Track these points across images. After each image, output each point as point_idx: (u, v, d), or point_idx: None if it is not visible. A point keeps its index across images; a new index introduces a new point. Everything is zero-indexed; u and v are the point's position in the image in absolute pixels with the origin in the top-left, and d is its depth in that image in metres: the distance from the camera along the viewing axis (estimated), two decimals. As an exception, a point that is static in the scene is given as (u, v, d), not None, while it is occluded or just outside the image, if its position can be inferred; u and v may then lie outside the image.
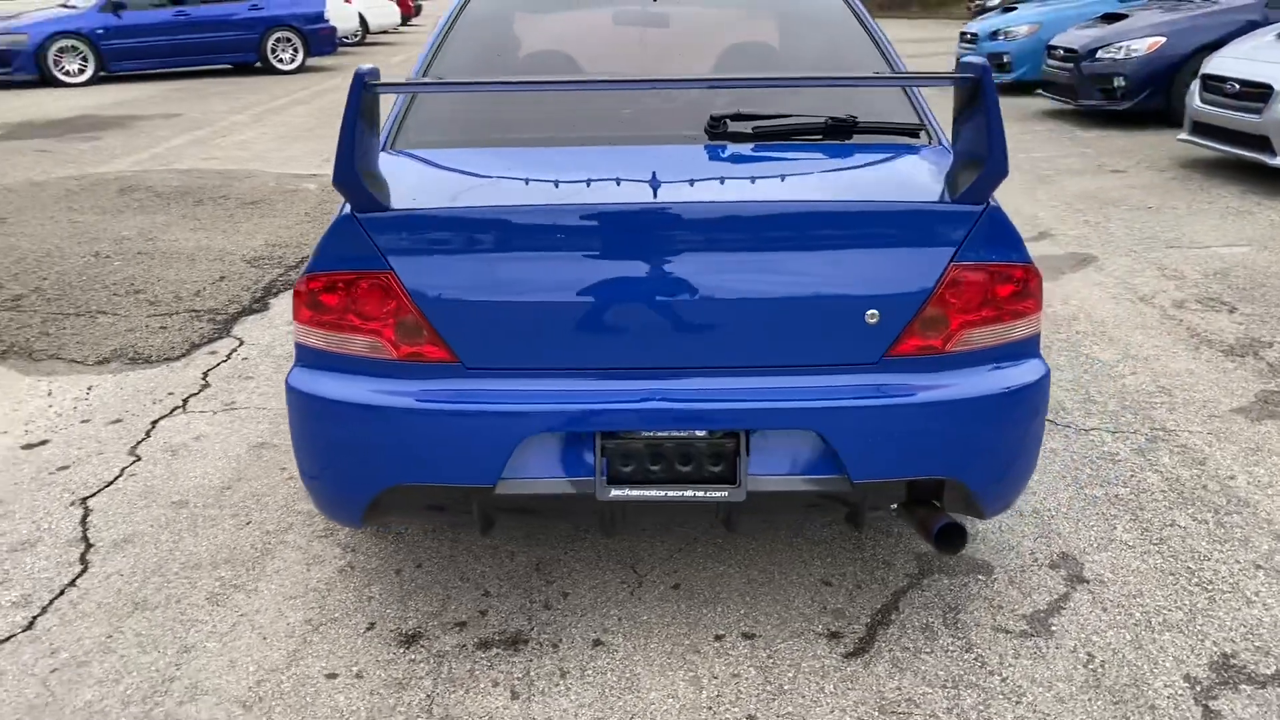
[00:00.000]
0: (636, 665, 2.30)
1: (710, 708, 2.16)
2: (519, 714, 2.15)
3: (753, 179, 2.21)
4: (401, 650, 2.36)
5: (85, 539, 2.86)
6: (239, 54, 15.23)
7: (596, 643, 2.38)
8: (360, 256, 2.06)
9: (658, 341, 2.07)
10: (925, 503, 2.25)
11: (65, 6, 14.86)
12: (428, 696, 2.21)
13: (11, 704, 2.21)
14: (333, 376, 2.16)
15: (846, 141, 2.45)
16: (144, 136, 9.70)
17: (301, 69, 15.73)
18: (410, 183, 2.26)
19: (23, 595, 2.60)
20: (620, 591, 2.57)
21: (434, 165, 2.36)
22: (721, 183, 2.18)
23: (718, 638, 2.39)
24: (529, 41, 2.80)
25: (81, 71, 14.04)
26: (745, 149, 2.40)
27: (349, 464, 2.16)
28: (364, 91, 1.92)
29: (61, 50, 13.90)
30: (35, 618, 2.51)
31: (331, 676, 2.28)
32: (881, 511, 2.34)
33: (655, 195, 2.08)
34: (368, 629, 2.44)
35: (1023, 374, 2.17)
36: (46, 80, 13.76)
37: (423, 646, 2.38)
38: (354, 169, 1.95)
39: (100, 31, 14.08)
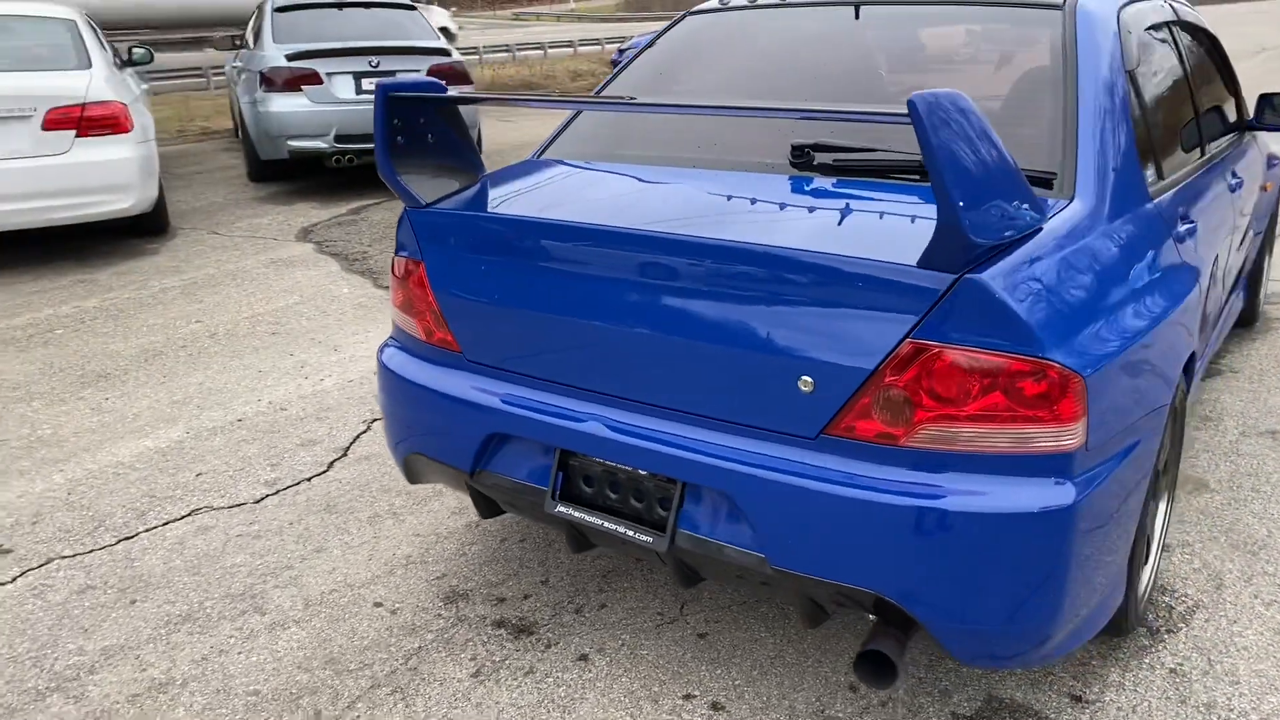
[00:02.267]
0: (593, 691, 2.27)
1: (615, 757, 2.07)
2: (464, 691, 2.28)
3: (771, 216, 2.00)
4: (441, 604, 2.62)
5: (346, 450, 3.57)
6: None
7: (583, 657, 2.39)
8: (408, 247, 2.33)
9: (618, 371, 2.02)
10: (899, 623, 1.86)
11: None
12: (417, 649, 2.44)
13: (194, 550, 2.93)
14: (394, 348, 2.47)
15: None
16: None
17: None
18: (490, 188, 2.44)
19: (274, 478, 3.37)
20: (649, 621, 2.51)
21: (531, 174, 2.52)
22: (727, 217, 2.02)
23: (686, 697, 2.24)
24: (708, 61, 2.76)
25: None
26: (818, 182, 2.16)
27: (389, 429, 2.47)
28: (387, 100, 2.17)
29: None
30: (265, 496, 3.25)
31: (377, 605, 2.63)
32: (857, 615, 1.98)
33: (643, 224, 2.01)
34: (438, 578, 2.74)
35: (1019, 497, 1.69)
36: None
37: (455, 606, 2.60)
38: (390, 169, 2.22)
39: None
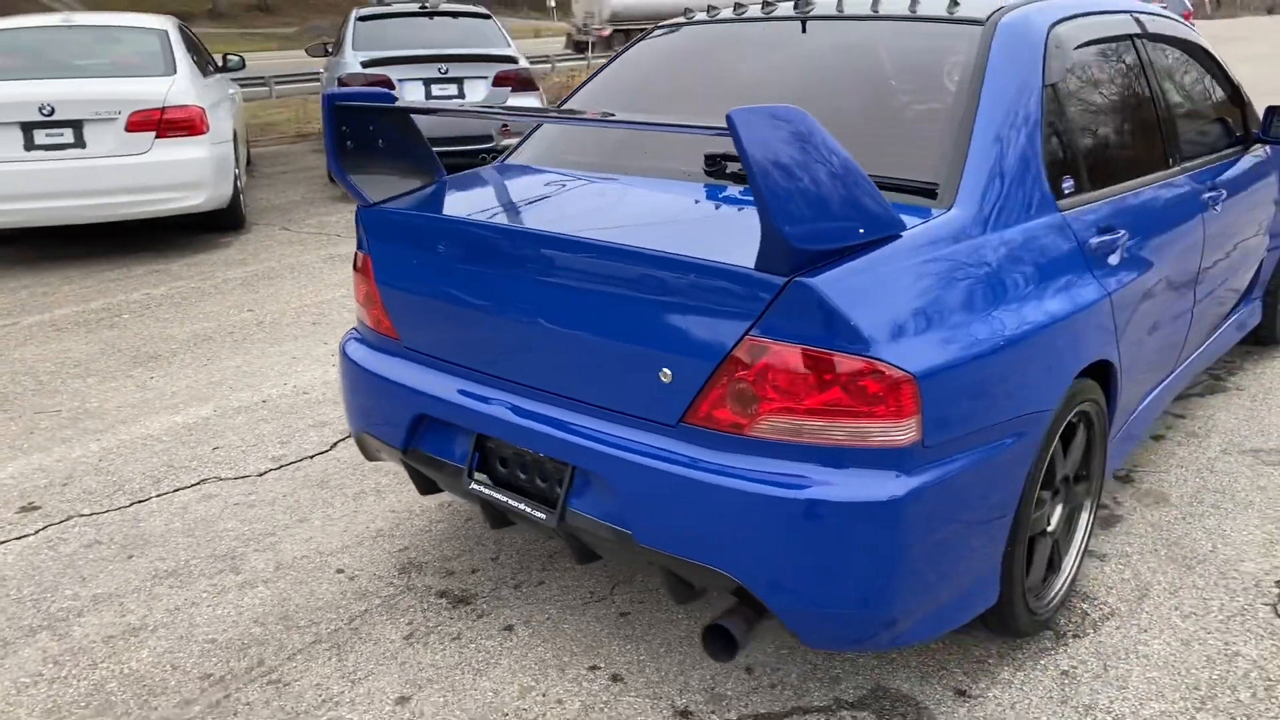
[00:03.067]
0: (508, 658, 2.44)
1: (514, 718, 2.24)
2: (394, 651, 2.49)
3: (663, 220, 2.15)
4: (396, 573, 2.83)
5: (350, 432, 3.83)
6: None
7: (509, 627, 2.57)
8: (361, 242, 2.55)
9: (522, 360, 2.20)
10: (753, 603, 1.99)
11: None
12: (363, 611, 2.66)
13: (194, 514, 3.22)
14: (353, 336, 2.70)
15: None
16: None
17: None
18: (434, 190, 2.62)
19: (281, 454, 3.65)
20: (579, 599, 2.67)
21: (480, 178, 2.71)
22: (628, 219, 2.17)
23: (592, 668, 2.40)
24: (660, 75, 2.90)
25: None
26: (729, 189, 2.29)
27: (346, 409, 2.70)
28: (333, 108, 2.39)
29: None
30: (268, 470, 3.53)
31: (339, 571, 2.86)
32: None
33: (546, 225, 2.18)
34: (401, 550, 2.95)
35: (855, 487, 1.79)
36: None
37: (408, 576, 2.81)
38: (340, 169, 2.45)
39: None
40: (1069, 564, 2.53)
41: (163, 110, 6.13)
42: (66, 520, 3.20)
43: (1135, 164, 2.77)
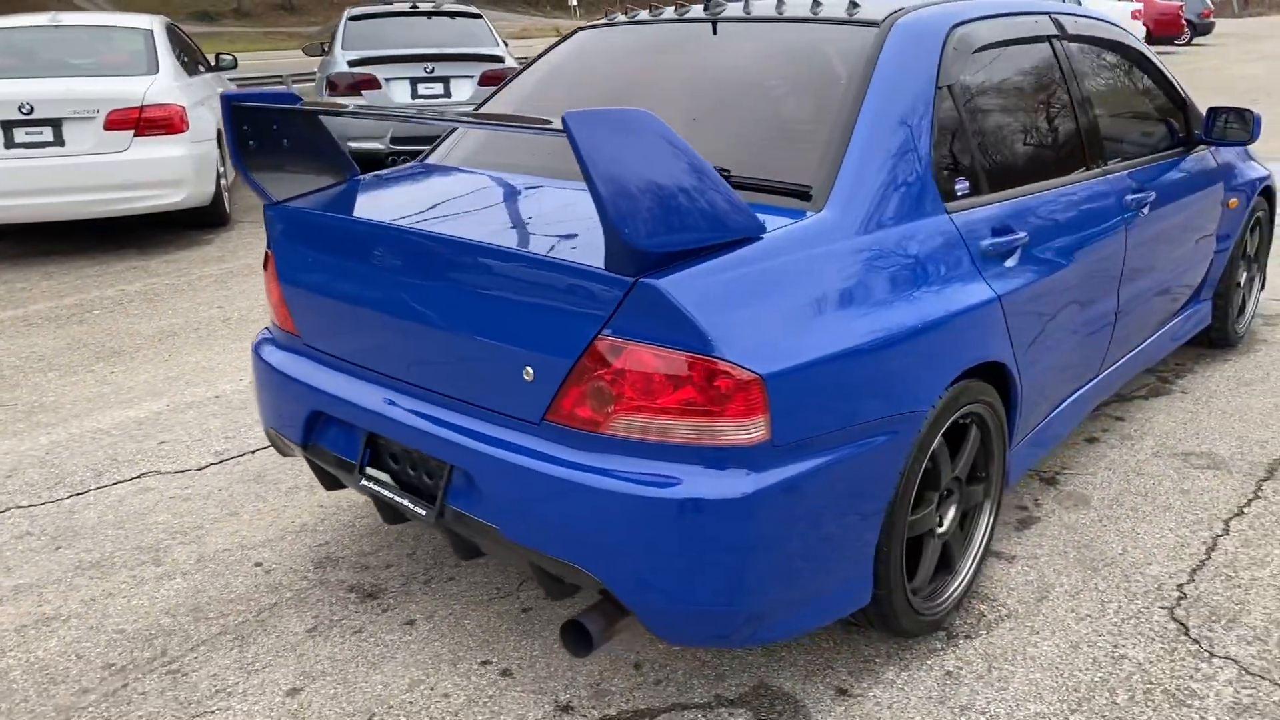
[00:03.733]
0: (404, 652, 2.47)
1: (398, 711, 2.27)
2: (294, 644, 2.52)
3: (538, 218, 2.18)
4: (312, 567, 2.87)
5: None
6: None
7: (410, 622, 2.60)
8: (268, 239, 2.59)
9: (403, 357, 2.23)
10: (615, 600, 2.01)
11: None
12: (273, 604, 2.70)
13: (129, 508, 3.27)
14: (264, 333, 2.74)
15: None
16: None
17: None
18: (338, 189, 2.65)
19: (223, 449, 3.70)
20: (485, 595, 2.70)
21: (387, 177, 2.75)
22: (492, 217, 2.20)
23: (484, 663, 2.43)
24: (574, 76, 2.92)
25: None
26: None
27: (258, 405, 2.74)
28: (232, 109, 2.43)
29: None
30: (209, 465, 3.58)
31: (257, 565, 2.90)
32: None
33: (414, 222, 2.21)
34: (321, 545, 2.99)
35: (707, 485, 1.82)
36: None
37: (323, 570, 2.85)
38: (243, 168, 2.49)
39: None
40: (966, 566, 2.53)
41: (141, 109, 6.21)
42: (4, 511, 3.27)
43: (1044, 167, 2.77)
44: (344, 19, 9.12)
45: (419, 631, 2.56)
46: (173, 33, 7.62)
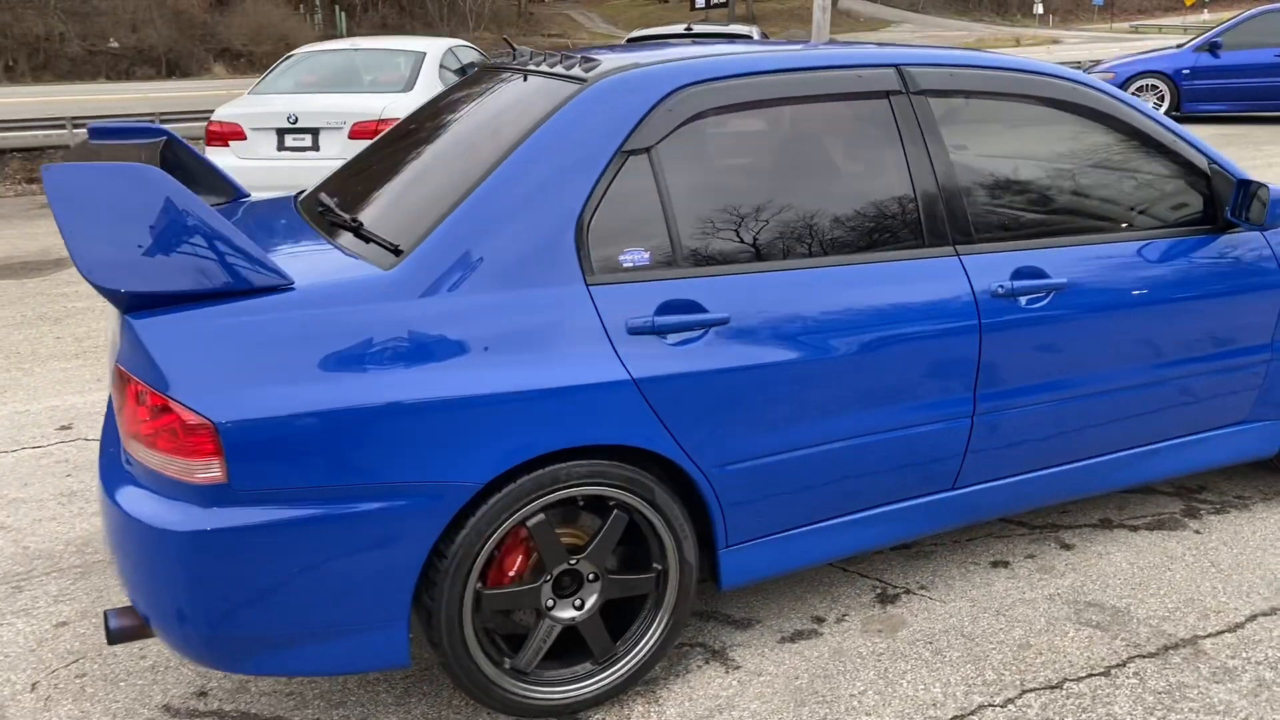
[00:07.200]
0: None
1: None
2: None
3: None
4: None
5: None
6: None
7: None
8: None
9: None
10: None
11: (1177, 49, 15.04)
12: None
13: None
14: None
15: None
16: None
17: None
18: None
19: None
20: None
21: (254, 205, 3.10)
22: None
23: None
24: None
25: (1155, 108, 14.18)
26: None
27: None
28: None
29: (1140, 89, 14.30)
30: None
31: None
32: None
33: None
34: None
35: (161, 514, 1.99)
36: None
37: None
38: None
39: (1185, 71, 13.96)
40: (625, 664, 2.36)
41: (378, 122, 7.23)
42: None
43: (797, 243, 2.41)
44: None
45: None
46: (455, 54, 8.66)
